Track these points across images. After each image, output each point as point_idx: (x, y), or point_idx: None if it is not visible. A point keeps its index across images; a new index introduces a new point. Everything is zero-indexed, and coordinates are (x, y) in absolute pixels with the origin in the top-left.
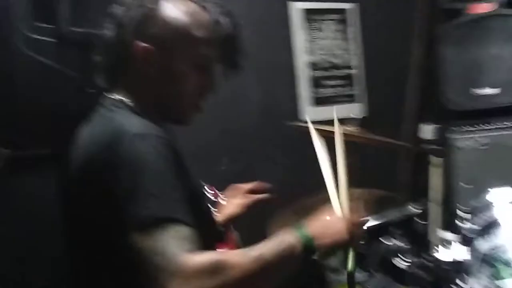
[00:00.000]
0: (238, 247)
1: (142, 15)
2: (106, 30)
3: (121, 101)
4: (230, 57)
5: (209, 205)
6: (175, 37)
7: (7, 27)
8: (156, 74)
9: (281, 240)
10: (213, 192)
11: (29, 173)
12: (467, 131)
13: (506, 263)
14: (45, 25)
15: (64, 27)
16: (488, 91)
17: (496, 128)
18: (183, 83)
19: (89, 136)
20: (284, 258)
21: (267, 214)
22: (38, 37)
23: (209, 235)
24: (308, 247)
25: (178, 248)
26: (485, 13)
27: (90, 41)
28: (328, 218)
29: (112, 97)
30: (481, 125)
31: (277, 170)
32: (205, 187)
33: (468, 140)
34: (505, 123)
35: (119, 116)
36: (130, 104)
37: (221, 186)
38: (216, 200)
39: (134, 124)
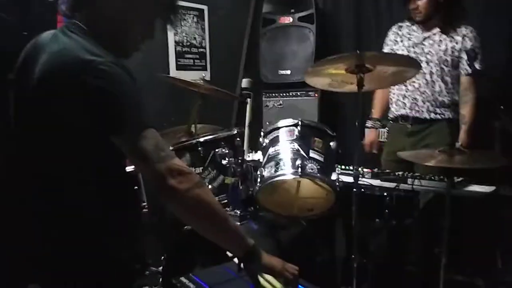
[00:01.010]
0: None
1: None
2: None
3: (81, 26)
4: (170, 16)
5: None
6: None
7: None
8: (115, 13)
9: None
10: None
11: None
12: (272, 96)
13: (281, 161)
14: None
15: None
16: (286, 72)
17: (287, 94)
18: (134, 24)
19: (60, 52)
20: (234, 237)
21: None
22: None
23: None
24: (252, 252)
25: (167, 149)
26: (287, 23)
27: None
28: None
29: (74, 21)
30: (280, 93)
31: (152, 105)
32: None
33: (272, 100)
34: (293, 92)
35: (87, 43)
36: (87, 30)
37: None
38: None
39: (107, 54)
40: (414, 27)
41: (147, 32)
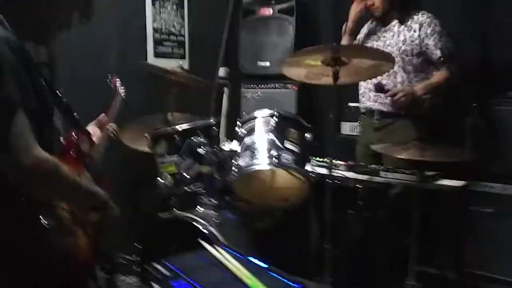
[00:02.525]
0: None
1: None
2: None
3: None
4: (86, 9)
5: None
6: None
7: None
8: (33, 8)
9: (93, 186)
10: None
11: None
12: (251, 87)
13: (257, 151)
14: None
15: None
16: (266, 64)
17: (266, 86)
18: (51, 14)
19: None
20: (88, 195)
21: (120, 124)
22: None
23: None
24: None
25: (31, 138)
26: (267, 15)
27: None
28: None
29: None
30: (259, 84)
31: (129, 93)
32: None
33: (251, 91)
34: (271, 84)
35: None
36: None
37: None
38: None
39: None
40: (379, 23)
41: (64, 23)
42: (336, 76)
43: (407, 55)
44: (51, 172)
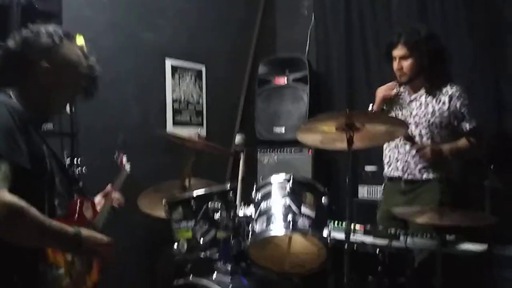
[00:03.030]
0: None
1: (49, 45)
2: (10, 43)
3: (8, 94)
4: (90, 89)
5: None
6: (66, 67)
7: None
8: (43, 85)
9: (63, 227)
10: (120, 158)
11: None
12: (267, 152)
13: (273, 216)
14: None
15: None
16: (281, 129)
17: (282, 151)
18: (59, 96)
19: None
20: (57, 235)
21: (138, 191)
22: None
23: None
24: (76, 238)
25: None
26: (282, 84)
27: None
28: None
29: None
30: (275, 149)
31: (147, 160)
32: (118, 153)
33: (267, 156)
34: (287, 149)
35: None
36: (12, 95)
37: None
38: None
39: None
40: (401, 89)
41: (69, 102)
42: (350, 142)
43: (436, 127)
44: (14, 215)
